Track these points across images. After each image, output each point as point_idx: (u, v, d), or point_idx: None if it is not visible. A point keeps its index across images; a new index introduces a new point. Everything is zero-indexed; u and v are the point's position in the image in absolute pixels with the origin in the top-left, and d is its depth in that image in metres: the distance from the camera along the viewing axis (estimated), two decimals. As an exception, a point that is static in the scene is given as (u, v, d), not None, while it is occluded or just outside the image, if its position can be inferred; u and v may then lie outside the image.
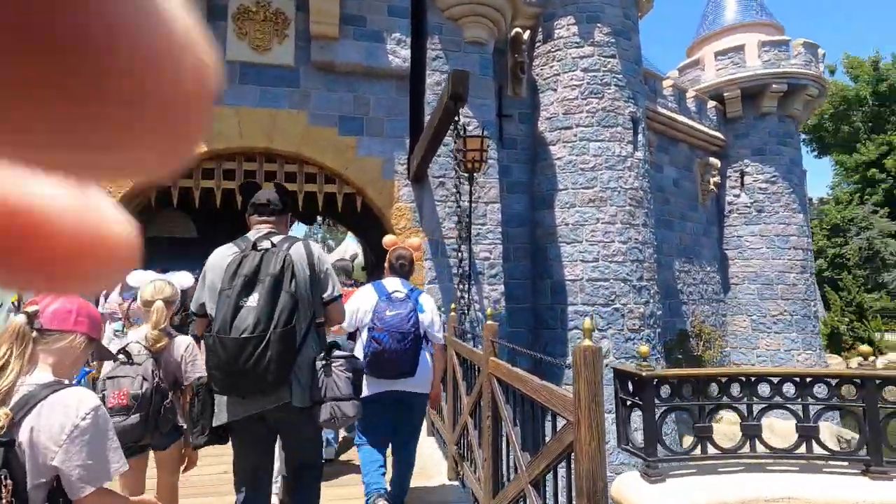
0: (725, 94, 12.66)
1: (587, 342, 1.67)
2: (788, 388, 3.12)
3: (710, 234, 12.76)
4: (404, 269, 3.09)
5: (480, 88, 6.91)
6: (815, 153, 35.03)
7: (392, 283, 3.00)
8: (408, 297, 2.86)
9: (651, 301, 8.16)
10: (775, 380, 3.18)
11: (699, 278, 11.93)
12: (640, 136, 8.58)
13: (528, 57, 8.67)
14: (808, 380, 3.13)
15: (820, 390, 3.15)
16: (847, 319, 22.72)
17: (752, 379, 3.13)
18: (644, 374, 2.85)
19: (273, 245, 1.92)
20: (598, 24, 8.26)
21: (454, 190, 6.64)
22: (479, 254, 6.66)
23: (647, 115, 9.38)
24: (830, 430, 10.89)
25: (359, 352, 2.68)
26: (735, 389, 3.09)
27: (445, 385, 3.99)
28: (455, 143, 6.15)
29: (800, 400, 3.10)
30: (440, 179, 6.69)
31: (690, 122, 11.77)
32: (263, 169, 6.69)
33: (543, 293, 8.17)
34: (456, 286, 6.29)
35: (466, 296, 6.45)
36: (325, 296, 2.05)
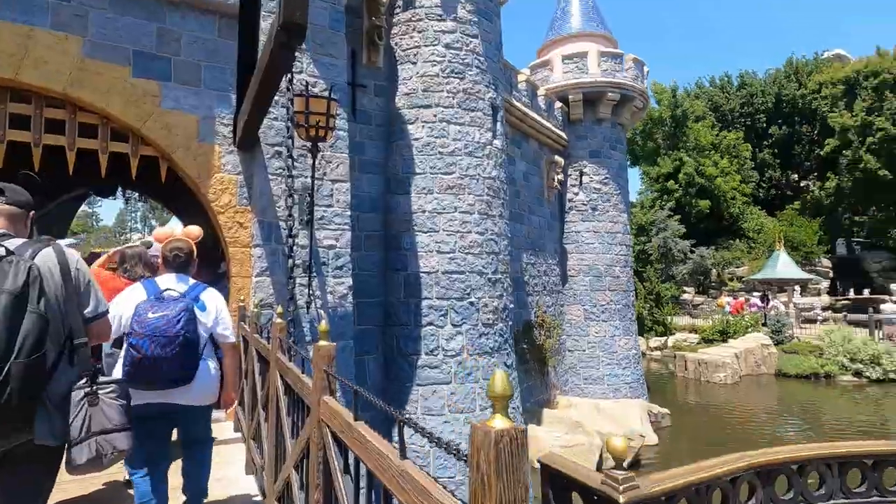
0: (570, 97, 13.39)
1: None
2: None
3: (553, 228, 13.45)
4: (180, 263, 2.64)
5: (330, 45, 5.81)
6: (629, 163, 40.71)
7: (165, 280, 2.60)
8: (184, 295, 2.51)
9: (504, 294, 8.00)
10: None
11: (542, 270, 12.45)
12: (499, 125, 8.34)
13: (387, 23, 7.78)
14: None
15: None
16: (648, 306, 26.71)
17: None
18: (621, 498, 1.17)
19: (8, 252, 1.62)
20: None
21: (294, 163, 5.47)
22: (323, 241, 5.61)
23: (504, 106, 9.23)
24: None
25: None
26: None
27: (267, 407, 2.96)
28: (294, 103, 4.99)
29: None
30: (277, 148, 5.44)
31: (541, 120, 12.13)
32: (7, 111, 4.68)
33: (396, 287, 7.44)
34: (289, 279, 5.16)
35: (307, 291, 5.37)
36: (87, 312, 1.78)
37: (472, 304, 7.43)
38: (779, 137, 39.85)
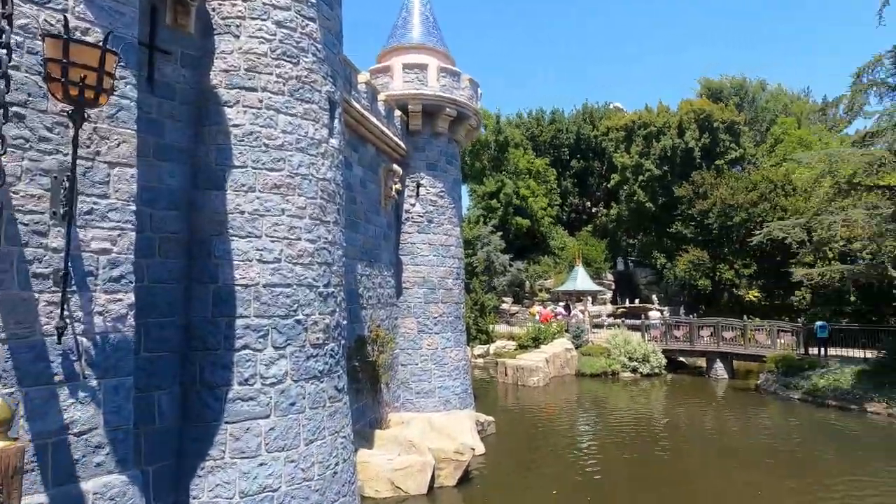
0: (410, 107, 13.24)
1: None
2: None
3: (390, 239, 13.04)
4: None
5: (114, -15, 4.37)
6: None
7: None
8: None
9: (338, 310, 7.19)
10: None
11: (378, 282, 11.91)
12: (336, 123, 7.55)
13: (203, -18, 6.41)
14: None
15: None
16: (473, 316, 28.28)
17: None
18: None
19: None
20: (299, -25, 6.80)
21: (48, 132, 3.92)
22: (91, 243, 4.13)
23: (342, 105, 8.47)
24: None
25: None
26: None
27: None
28: (46, 45, 3.53)
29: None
30: (19, 110, 3.82)
31: (380, 125, 11.66)
32: None
33: (203, 303, 6.05)
34: (38, 296, 3.63)
35: (58, 312, 3.84)
36: None
37: (299, 322, 6.44)
38: (578, 169, 46.64)
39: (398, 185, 12.89)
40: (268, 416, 6.05)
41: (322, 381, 6.68)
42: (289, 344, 6.33)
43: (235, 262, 6.16)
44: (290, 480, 6.04)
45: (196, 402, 5.92)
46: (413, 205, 13.66)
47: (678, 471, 11.15)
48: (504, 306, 36.59)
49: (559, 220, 44.08)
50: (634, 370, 22.31)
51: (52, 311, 3.86)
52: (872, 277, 16.98)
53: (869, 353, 18.71)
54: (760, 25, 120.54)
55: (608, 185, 42.38)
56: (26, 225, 3.81)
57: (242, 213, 6.26)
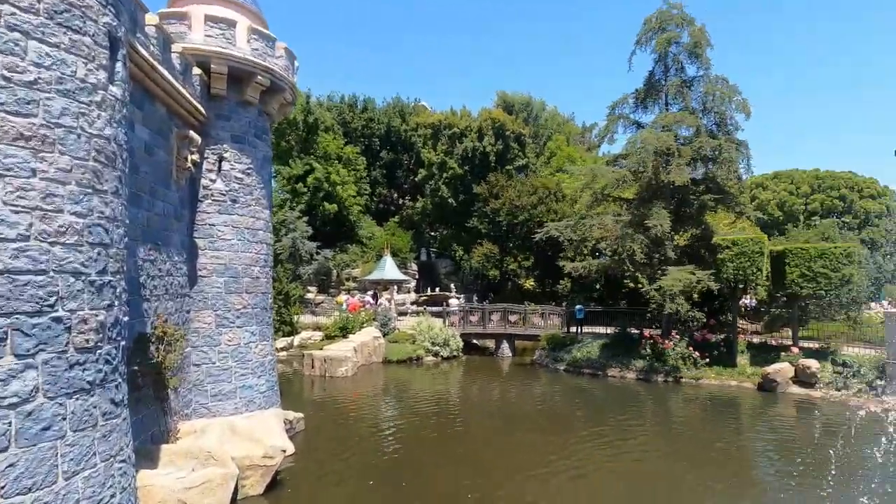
0: (213, 67, 11.42)
1: None
2: None
3: (182, 218, 11.09)
4: None
5: None
6: (262, 159, 39.50)
7: None
8: None
9: (116, 304, 5.72)
10: None
11: (166, 269, 10.01)
12: (120, 68, 5.97)
13: None
14: None
15: None
16: (277, 306, 26.37)
17: None
18: None
19: None
20: None
21: None
22: None
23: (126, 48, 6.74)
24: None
25: None
26: None
27: None
28: None
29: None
30: None
31: (174, 81, 9.76)
32: None
33: None
34: None
35: None
36: None
37: (57, 320, 4.88)
38: (387, 160, 47.57)
39: (195, 156, 11.02)
40: (5, 450, 4.44)
41: (93, 395, 5.23)
42: (41, 350, 4.75)
43: (-52, 239, 4.33)
44: (40, 530, 4.56)
45: None
46: (213, 181, 11.86)
47: (471, 440, 12.42)
48: (309, 296, 35.15)
49: (368, 210, 44.34)
50: (436, 354, 23.86)
51: None
52: (615, 270, 21.47)
53: (610, 330, 23.70)
54: (546, 54, 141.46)
55: (416, 179, 44.28)
56: None
57: (-38, 169, 4.43)
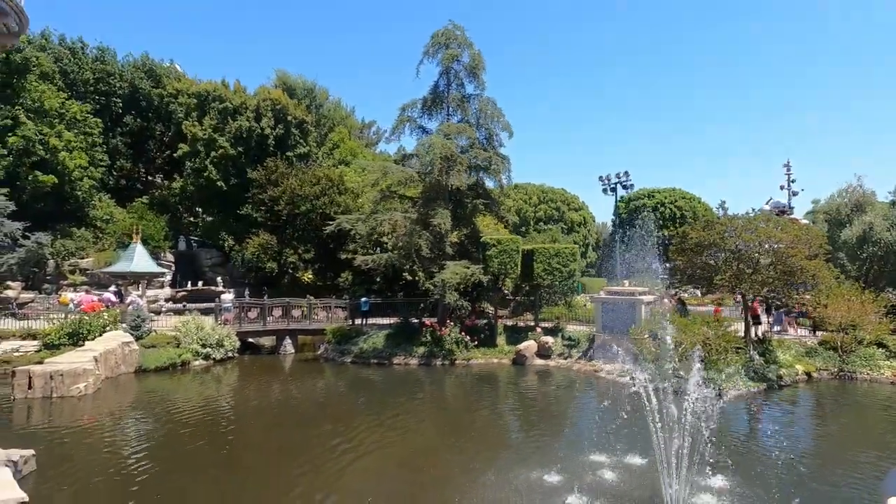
0: None
1: None
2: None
3: None
4: None
5: None
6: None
7: None
8: None
9: None
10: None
11: None
12: None
13: None
14: None
15: None
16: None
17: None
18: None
19: None
20: None
21: None
22: None
23: None
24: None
25: None
26: None
27: None
28: None
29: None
30: None
31: None
32: None
33: None
34: None
35: None
36: None
37: None
38: (133, 128, 39.30)
39: None
40: None
41: None
42: None
43: None
44: None
45: None
46: None
47: (245, 444, 11.59)
48: (9, 293, 26.43)
49: (104, 186, 35.83)
50: (207, 357, 20.99)
51: None
52: (401, 263, 22.64)
53: (392, 321, 24.88)
54: (328, 40, 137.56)
55: (174, 154, 37.81)
56: None
57: None
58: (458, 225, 22.74)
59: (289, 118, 36.54)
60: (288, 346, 24.26)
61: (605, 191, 31.30)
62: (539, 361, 21.19)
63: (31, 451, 9.36)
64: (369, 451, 10.94)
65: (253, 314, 24.78)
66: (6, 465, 8.17)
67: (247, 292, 31.39)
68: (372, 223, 22.34)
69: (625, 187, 30.56)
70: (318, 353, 23.75)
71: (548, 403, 15.95)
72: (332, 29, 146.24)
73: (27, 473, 9.08)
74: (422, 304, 25.87)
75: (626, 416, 10.28)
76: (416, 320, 24.08)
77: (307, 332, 25.45)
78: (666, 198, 61.36)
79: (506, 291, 26.82)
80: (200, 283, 33.87)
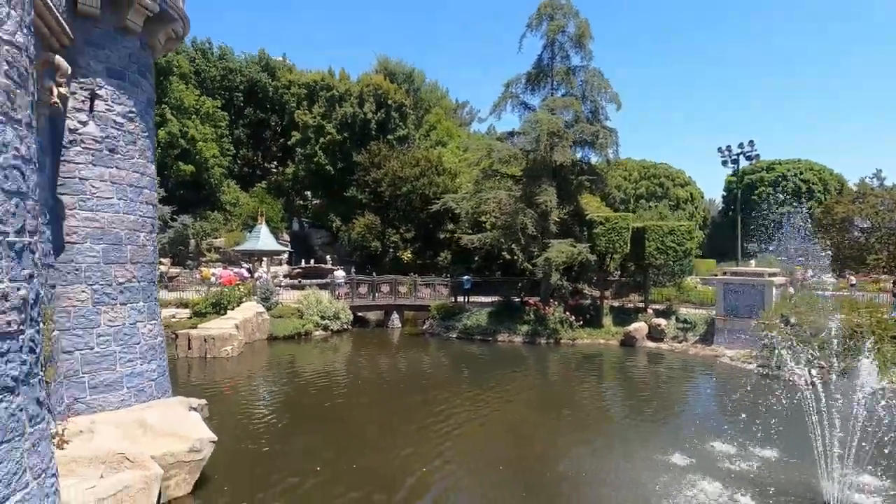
0: (83, -24, 8.99)
1: None
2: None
3: (43, 168, 8.69)
4: None
5: None
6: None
7: None
8: None
9: (36, 274, 4.31)
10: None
11: (29, 233, 7.79)
12: (23, -51, 4.35)
13: None
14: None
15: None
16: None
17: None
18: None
19: None
20: None
21: None
22: None
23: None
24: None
25: None
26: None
27: None
28: None
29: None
30: None
31: (42, -13, 7.45)
32: None
33: None
34: None
35: None
36: None
37: (-28, 295, 3.50)
38: (253, 120, 43.07)
39: (63, 89, 8.65)
40: None
41: (17, 394, 3.93)
42: (-50, 337, 3.39)
43: None
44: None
45: None
46: (84, 123, 9.47)
47: (354, 408, 12.65)
48: (161, 268, 30.67)
49: (231, 173, 39.91)
50: (326, 328, 22.88)
51: None
52: (506, 242, 22.69)
53: (493, 299, 25.21)
54: (428, 22, 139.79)
55: (287, 142, 40.96)
56: None
57: None
58: (561, 202, 22.27)
59: (389, 102, 37.81)
60: (395, 320, 25.63)
61: (724, 163, 28.67)
62: (650, 344, 20.36)
63: (204, 401, 10.99)
64: (476, 419, 11.45)
65: (363, 290, 26.45)
66: (192, 410, 9.69)
67: (352, 270, 33.53)
68: (476, 201, 22.63)
69: (748, 158, 27.76)
70: (424, 328, 24.83)
71: (662, 386, 15.35)
72: (430, 7, 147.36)
73: (205, 419, 10.69)
74: (520, 284, 25.91)
75: (753, 405, 9.64)
76: (517, 299, 24.20)
77: (412, 308, 26.66)
78: (789, 170, 54.86)
79: (614, 271, 25.90)
80: (312, 261, 36.76)
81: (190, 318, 22.14)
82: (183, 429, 8.02)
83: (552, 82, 22.89)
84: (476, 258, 31.56)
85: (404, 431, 10.62)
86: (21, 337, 4.01)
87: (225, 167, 37.30)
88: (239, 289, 22.87)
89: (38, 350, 4.29)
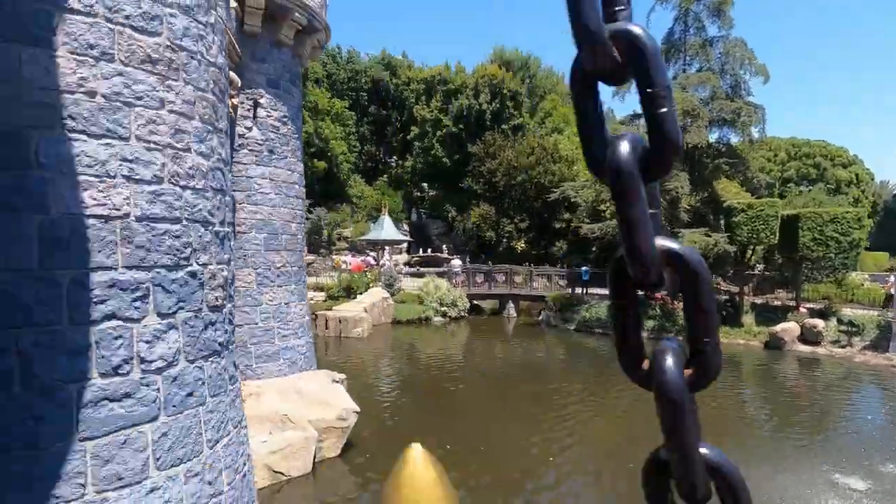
0: (249, 1, 10.30)
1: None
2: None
3: (228, 166, 10.22)
4: None
5: None
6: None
7: None
8: None
9: (232, 258, 5.15)
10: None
11: (212, 224, 9.26)
12: (220, -16, 5.15)
13: None
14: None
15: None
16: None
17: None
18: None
19: None
20: None
21: None
22: None
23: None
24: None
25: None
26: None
27: None
28: None
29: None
30: None
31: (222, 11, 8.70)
32: None
33: (18, 247, 3.45)
34: None
35: None
36: None
37: (194, 275, 4.33)
38: (376, 117, 45.81)
39: (235, 100, 10.07)
40: (155, 419, 3.96)
41: (223, 357, 4.76)
42: (181, 308, 4.21)
43: (83, 178, 3.66)
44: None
45: (17, 414, 3.43)
46: (249, 128, 10.94)
47: (473, 392, 12.68)
48: (300, 256, 34.24)
49: (357, 168, 42.96)
50: (444, 315, 23.78)
51: None
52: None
53: (614, 291, 24.06)
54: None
55: (406, 137, 42.93)
56: None
57: (92, 94, 3.71)
58: (694, 188, 20.46)
59: (504, 91, 37.66)
60: (511, 309, 25.76)
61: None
62: (802, 347, 17.96)
63: (344, 375, 12.15)
64: (600, 416, 11.10)
65: (479, 279, 26.95)
66: (335, 383, 10.80)
67: (467, 259, 34.27)
68: (597, 189, 21.76)
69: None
70: (539, 318, 24.62)
71: (821, 397, 13.46)
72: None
73: (348, 391, 11.85)
74: (643, 276, 24.27)
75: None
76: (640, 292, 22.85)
77: (527, 298, 26.56)
78: None
79: (755, 264, 23.25)
80: (430, 251, 38.28)
81: (325, 300, 24.47)
82: (332, 398, 8.99)
83: (685, 57, 21.01)
84: (594, 248, 30.36)
85: (525, 419, 10.74)
86: (224, 310, 4.84)
87: (352, 163, 40.29)
88: (367, 275, 24.69)
89: (233, 322, 5.13)
